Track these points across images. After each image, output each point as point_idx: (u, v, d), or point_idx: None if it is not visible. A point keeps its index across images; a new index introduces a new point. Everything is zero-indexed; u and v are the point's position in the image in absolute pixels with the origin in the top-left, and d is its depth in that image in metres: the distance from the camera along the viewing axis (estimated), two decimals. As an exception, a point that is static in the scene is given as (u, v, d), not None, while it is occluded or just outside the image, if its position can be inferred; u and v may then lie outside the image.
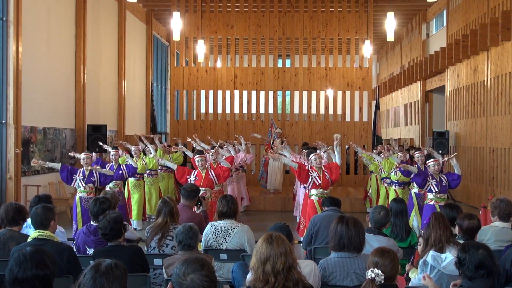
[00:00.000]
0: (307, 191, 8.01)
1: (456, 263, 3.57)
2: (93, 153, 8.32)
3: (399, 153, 10.29)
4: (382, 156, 10.20)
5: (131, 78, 17.43)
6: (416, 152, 9.52)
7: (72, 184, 8.08)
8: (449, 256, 4.05)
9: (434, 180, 7.72)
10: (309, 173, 7.71)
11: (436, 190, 7.69)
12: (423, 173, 7.91)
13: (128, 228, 5.64)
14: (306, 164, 8.15)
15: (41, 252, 3.02)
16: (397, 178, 9.56)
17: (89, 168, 8.06)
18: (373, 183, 11.75)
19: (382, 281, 3.22)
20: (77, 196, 8.04)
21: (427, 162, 7.96)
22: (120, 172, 8.78)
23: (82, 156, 8.18)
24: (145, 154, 10.59)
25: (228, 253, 5.02)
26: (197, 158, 8.37)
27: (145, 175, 10.64)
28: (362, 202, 12.78)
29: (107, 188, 8.77)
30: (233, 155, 10.39)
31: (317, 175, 7.69)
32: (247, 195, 12.50)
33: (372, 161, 10.70)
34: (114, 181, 8.82)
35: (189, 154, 10.37)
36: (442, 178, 7.80)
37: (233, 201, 5.28)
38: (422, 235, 4.70)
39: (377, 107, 18.04)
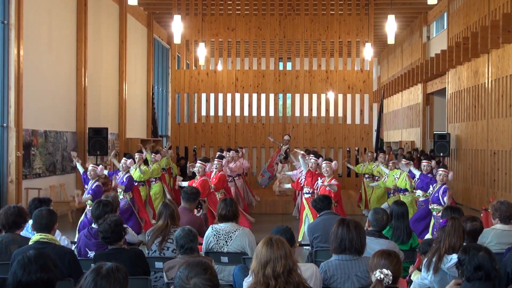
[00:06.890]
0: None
1: (456, 263, 3.58)
2: (100, 166, 8.23)
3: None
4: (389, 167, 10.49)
5: (132, 81, 17.44)
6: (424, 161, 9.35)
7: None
8: (454, 258, 4.04)
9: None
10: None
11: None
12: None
13: (129, 231, 5.64)
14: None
15: (45, 255, 3.01)
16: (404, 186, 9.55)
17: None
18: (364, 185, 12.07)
19: (390, 282, 3.20)
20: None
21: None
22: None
23: (89, 167, 8.27)
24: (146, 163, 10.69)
25: (229, 256, 5.02)
26: (198, 163, 8.52)
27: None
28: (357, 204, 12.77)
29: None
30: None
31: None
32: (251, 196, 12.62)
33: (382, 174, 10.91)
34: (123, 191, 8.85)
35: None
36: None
37: (232, 204, 5.25)
38: (433, 235, 4.65)
39: (382, 110, 18.03)
